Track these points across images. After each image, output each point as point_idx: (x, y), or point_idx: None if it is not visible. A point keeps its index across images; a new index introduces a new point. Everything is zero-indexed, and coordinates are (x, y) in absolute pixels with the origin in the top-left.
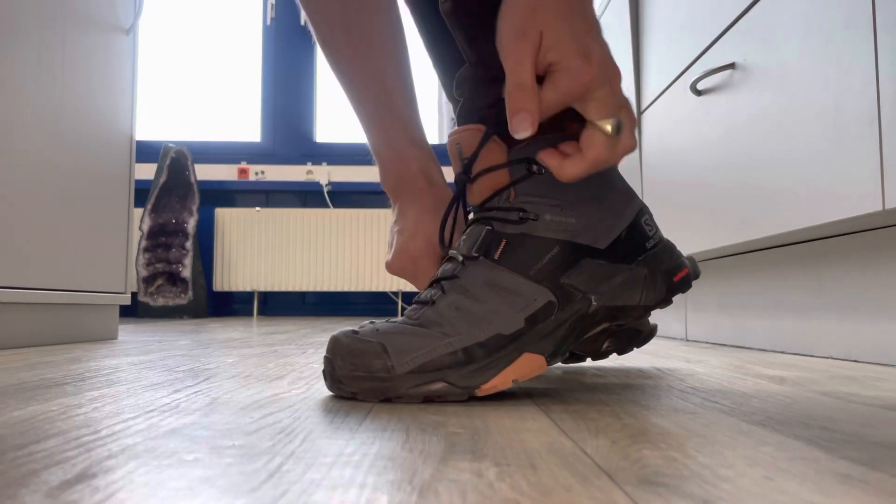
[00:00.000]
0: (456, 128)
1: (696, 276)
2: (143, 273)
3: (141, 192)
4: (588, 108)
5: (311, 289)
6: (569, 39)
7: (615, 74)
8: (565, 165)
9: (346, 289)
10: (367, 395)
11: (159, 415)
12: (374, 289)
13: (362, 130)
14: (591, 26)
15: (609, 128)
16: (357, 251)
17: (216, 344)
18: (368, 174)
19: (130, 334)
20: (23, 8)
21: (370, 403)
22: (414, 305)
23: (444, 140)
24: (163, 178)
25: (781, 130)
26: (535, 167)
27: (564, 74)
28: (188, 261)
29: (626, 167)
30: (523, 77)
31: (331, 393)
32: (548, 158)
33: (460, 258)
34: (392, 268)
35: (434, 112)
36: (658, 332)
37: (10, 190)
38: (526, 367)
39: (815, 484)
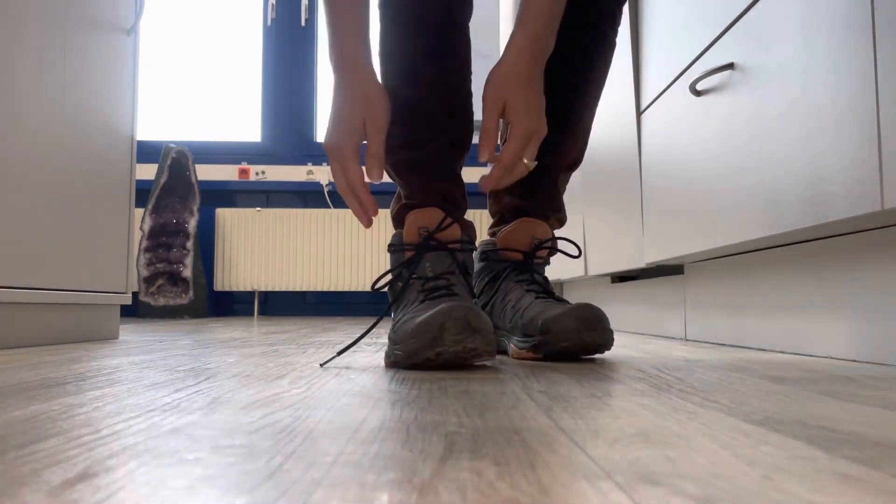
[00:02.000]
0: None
1: None
2: (144, 273)
3: (142, 193)
4: (527, 149)
5: (311, 289)
6: (522, 106)
7: (544, 129)
8: (490, 176)
9: (346, 289)
10: None
11: (160, 414)
12: None
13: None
14: (538, 94)
15: (529, 164)
16: (357, 251)
17: (217, 343)
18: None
19: (131, 334)
20: (23, 8)
21: (370, 403)
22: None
23: None
24: (163, 179)
25: (781, 130)
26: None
27: (518, 128)
28: (189, 261)
29: (626, 167)
30: (490, 126)
31: (331, 393)
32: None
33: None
34: (326, 147)
35: None
36: (658, 332)
37: (11, 190)
38: None
39: (814, 483)
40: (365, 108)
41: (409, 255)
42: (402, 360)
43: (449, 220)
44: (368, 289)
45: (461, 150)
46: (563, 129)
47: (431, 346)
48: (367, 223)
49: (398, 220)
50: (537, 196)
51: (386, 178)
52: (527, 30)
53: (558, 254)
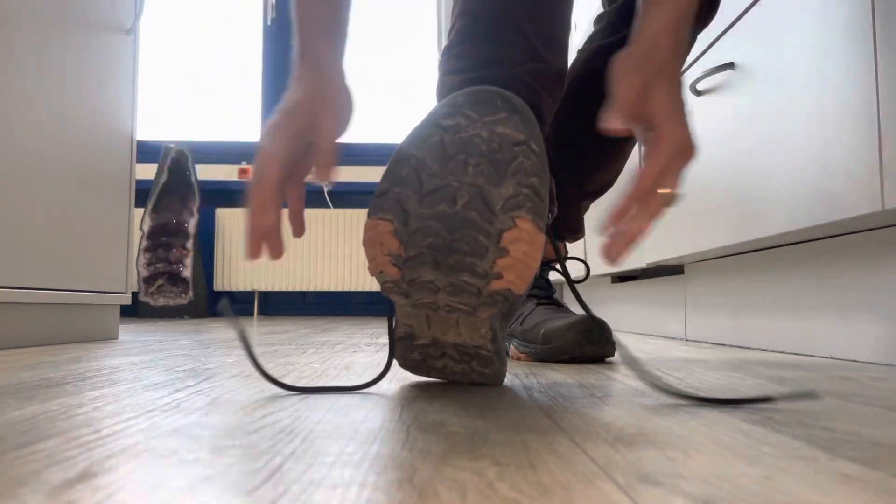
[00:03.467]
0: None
1: None
2: (144, 273)
3: (142, 193)
4: (674, 171)
5: (311, 289)
6: (670, 107)
7: (697, 146)
8: (617, 210)
9: (346, 289)
10: None
11: (160, 414)
12: (374, 289)
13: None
14: (684, 100)
15: (675, 192)
16: (357, 251)
17: (217, 344)
18: (369, 174)
19: (131, 334)
20: (23, 8)
21: (369, 403)
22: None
23: None
24: (163, 179)
25: (781, 130)
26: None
27: (668, 138)
28: (189, 261)
29: (627, 167)
30: (626, 104)
31: (331, 392)
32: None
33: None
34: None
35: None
36: (658, 332)
37: (11, 190)
38: None
39: (814, 483)
40: (319, 105)
41: None
42: (389, 165)
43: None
44: (368, 289)
45: (553, 88)
46: (602, 151)
47: (437, 118)
48: (252, 254)
49: None
50: (556, 223)
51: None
52: (666, 9)
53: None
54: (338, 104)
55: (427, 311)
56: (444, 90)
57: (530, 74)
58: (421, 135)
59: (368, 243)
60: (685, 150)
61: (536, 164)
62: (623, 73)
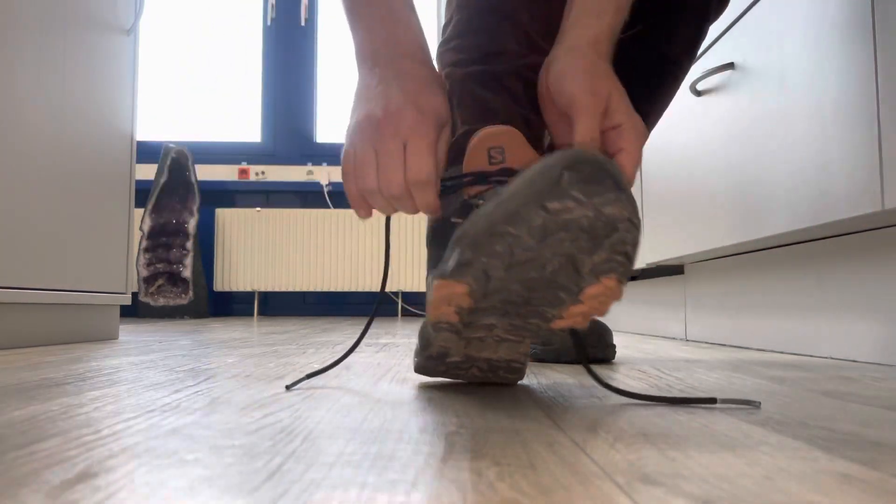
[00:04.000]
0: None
1: None
2: (144, 273)
3: (141, 193)
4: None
5: (311, 289)
6: (627, 104)
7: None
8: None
9: (346, 289)
10: None
11: (160, 414)
12: (374, 289)
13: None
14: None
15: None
16: (357, 251)
17: (217, 344)
18: None
19: (131, 334)
20: (23, 8)
21: (369, 403)
22: None
23: None
24: (163, 179)
25: (781, 130)
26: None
27: (632, 132)
28: (189, 261)
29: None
30: (594, 131)
31: (330, 393)
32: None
33: None
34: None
35: None
36: (658, 333)
37: (11, 190)
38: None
39: (814, 484)
40: (423, 105)
41: (472, 191)
42: (480, 250)
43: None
44: (368, 289)
45: None
46: None
47: (539, 199)
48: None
49: (458, 154)
50: None
51: None
52: (599, 22)
53: None
54: (440, 110)
55: (472, 339)
56: (447, 81)
57: (531, 68)
58: (521, 213)
59: (438, 300)
60: (643, 135)
61: (636, 236)
62: (575, 79)
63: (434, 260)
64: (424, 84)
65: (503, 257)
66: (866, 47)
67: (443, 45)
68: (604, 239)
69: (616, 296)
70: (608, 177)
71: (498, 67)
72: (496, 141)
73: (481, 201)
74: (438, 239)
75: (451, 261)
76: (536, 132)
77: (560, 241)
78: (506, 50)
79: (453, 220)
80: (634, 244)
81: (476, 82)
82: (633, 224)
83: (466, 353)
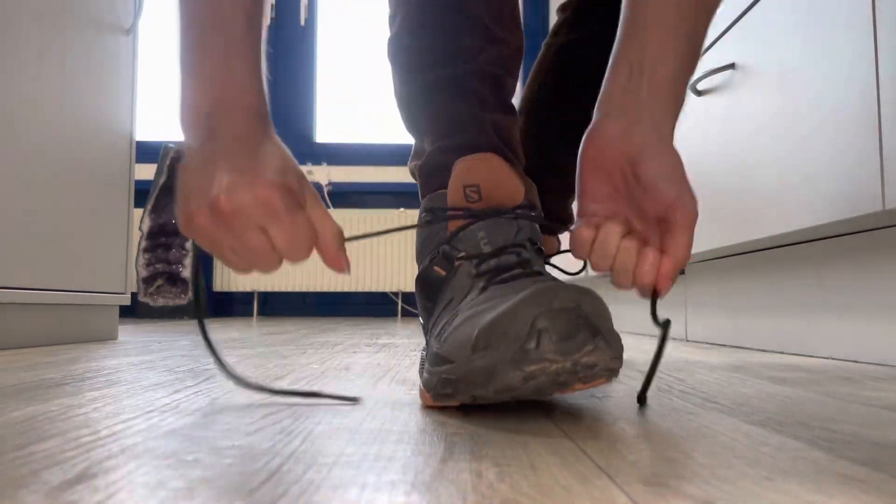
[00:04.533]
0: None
1: None
2: (143, 273)
3: (141, 193)
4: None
5: (311, 289)
6: (671, 175)
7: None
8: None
9: (346, 289)
10: None
11: (159, 415)
12: (373, 289)
13: (182, 53)
14: (680, 160)
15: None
16: (357, 251)
17: (216, 344)
18: (368, 174)
19: (130, 334)
20: (23, 8)
21: (369, 404)
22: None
23: None
24: (163, 179)
25: (781, 130)
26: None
27: (683, 212)
28: (188, 261)
29: None
30: (689, 247)
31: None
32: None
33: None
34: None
35: None
36: (658, 332)
37: (10, 190)
38: None
39: (815, 484)
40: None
41: (454, 225)
42: (461, 390)
43: (511, 173)
44: (368, 290)
45: (514, 68)
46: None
47: (517, 364)
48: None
49: (431, 174)
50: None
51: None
52: (666, 54)
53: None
54: (297, 172)
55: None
56: (408, 88)
57: (490, 62)
58: (499, 373)
59: (430, 400)
60: (693, 227)
61: (615, 372)
62: (685, 190)
63: (425, 309)
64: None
65: (487, 393)
66: (867, 47)
67: (394, 43)
68: (586, 372)
69: (608, 381)
70: (585, 328)
71: (459, 70)
72: (471, 178)
73: (461, 253)
74: (427, 291)
75: (437, 384)
76: (507, 135)
77: (541, 383)
78: (463, 46)
79: (435, 268)
80: (615, 371)
81: (440, 90)
82: (612, 370)
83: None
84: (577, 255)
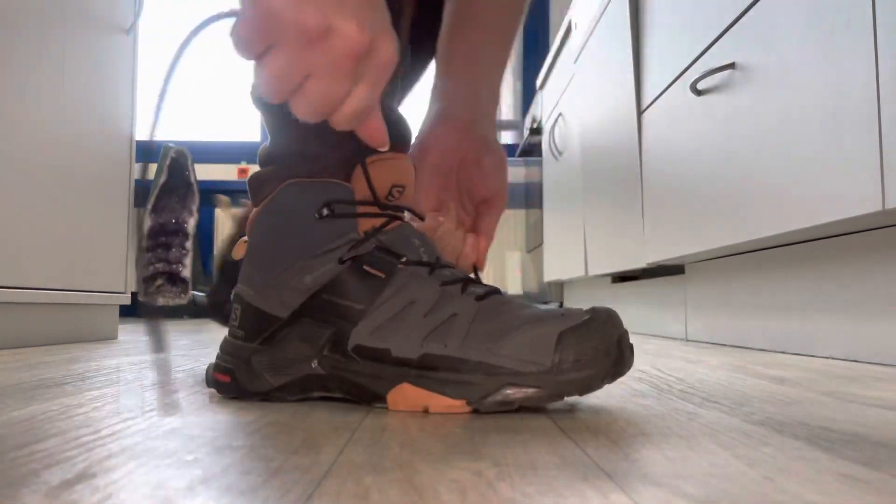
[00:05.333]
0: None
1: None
2: (144, 273)
3: (141, 192)
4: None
5: None
6: (494, 165)
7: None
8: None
9: None
10: None
11: (159, 414)
12: None
13: None
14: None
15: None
16: None
17: (216, 344)
18: None
19: (130, 334)
20: (23, 8)
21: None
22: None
23: None
24: (163, 179)
25: (781, 130)
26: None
27: (496, 201)
28: (188, 261)
29: (627, 167)
30: (494, 228)
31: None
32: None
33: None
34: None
35: None
36: (658, 332)
37: (10, 190)
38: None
39: (815, 484)
40: None
41: (371, 224)
42: (542, 400)
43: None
44: None
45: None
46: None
47: (611, 375)
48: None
49: (324, 159)
50: None
51: None
52: (499, 73)
53: (558, 251)
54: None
55: None
56: None
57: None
58: (594, 385)
59: None
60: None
61: None
62: (503, 180)
63: (333, 306)
64: None
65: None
66: (867, 47)
67: None
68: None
69: None
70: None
71: None
72: (400, 178)
73: (404, 258)
74: (348, 289)
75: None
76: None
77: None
78: None
79: (368, 268)
80: None
81: None
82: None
83: None
84: None
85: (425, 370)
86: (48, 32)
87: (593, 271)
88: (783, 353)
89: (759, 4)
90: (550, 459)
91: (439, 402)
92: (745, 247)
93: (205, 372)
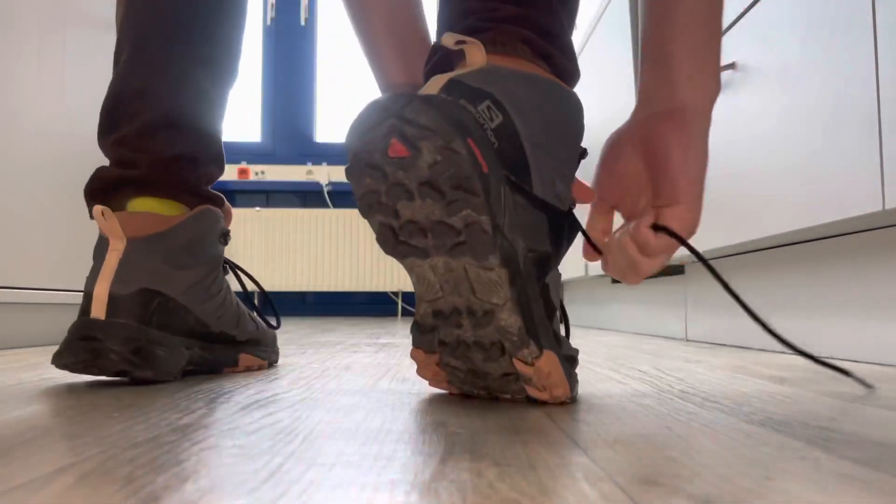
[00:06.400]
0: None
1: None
2: None
3: None
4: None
5: (311, 289)
6: (681, 167)
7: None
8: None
9: (346, 289)
10: None
11: (159, 415)
12: (374, 289)
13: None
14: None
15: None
16: (357, 251)
17: None
18: None
19: None
20: (23, 8)
21: (369, 404)
22: None
23: None
24: None
25: (781, 130)
26: None
27: (675, 222)
28: None
29: None
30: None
31: (330, 393)
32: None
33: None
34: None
35: None
36: (658, 332)
37: (11, 190)
38: None
39: (815, 484)
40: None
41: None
42: None
43: None
44: (368, 289)
45: None
46: None
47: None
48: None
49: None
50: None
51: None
52: (715, 70)
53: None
54: None
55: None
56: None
57: None
58: None
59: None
60: (691, 234)
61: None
62: (697, 172)
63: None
64: None
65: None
66: (867, 47)
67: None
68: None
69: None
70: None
71: None
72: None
73: None
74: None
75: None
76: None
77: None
78: None
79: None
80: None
81: None
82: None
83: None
84: (589, 259)
85: None
86: (48, 32)
87: (593, 271)
88: (783, 353)
89: (759, 4)
90: (550, 460)
91: None
92: (744, 247)
93: None
